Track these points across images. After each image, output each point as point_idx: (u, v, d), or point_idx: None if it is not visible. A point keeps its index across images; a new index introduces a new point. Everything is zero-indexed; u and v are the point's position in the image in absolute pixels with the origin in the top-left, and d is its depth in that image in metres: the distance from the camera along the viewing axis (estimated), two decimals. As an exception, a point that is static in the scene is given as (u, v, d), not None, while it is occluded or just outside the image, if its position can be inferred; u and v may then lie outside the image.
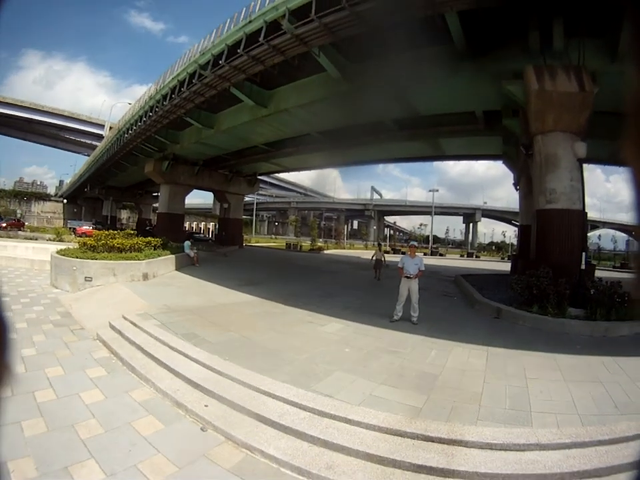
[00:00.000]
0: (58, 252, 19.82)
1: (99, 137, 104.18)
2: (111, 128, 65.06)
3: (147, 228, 62.25)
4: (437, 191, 77.06)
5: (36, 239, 34.21)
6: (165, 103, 27.49)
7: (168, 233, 27.83)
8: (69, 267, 17.59)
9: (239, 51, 19.35)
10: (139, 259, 19.16)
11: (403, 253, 46.04)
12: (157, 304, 13.32)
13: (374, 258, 23.57)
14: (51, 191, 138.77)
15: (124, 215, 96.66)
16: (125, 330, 10.28)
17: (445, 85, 18.93)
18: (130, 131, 35.69)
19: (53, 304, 14.64)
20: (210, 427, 5.98)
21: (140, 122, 32.57)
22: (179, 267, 22.62)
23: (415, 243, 14.82)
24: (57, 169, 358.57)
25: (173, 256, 22.58)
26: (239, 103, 25.92)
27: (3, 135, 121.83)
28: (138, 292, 15.38)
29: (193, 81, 23.36)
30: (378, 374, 7.66)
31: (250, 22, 18.94)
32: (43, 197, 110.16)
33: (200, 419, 6.19)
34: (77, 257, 18.03)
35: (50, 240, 34.64)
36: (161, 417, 6.31)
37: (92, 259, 17.86)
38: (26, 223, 66.42)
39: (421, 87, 19.53)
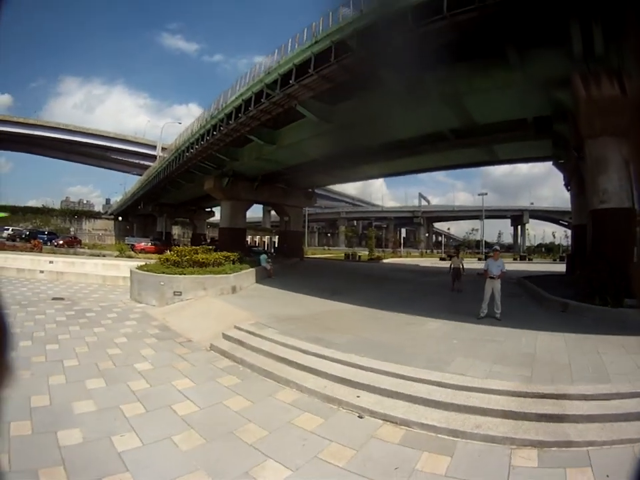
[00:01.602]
0: (139, 268, 20.73)
1: (145, 156, 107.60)
2: (164, 148, 66.61)
3: (204, 242, 63.55)
4: (486, 194, 75.86)
5: (104, 256, 35.49)
6: (230, 121, 28.23)
7: (230, 247, 27.91)
8: (155, 282, 18.34)
9: (309, 70, 20.05)
10: (226, 273, 19.86)
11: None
12: (261, 314, 13.97)
13: (452, 266, 21.80)
14: (98, 208, 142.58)
15: (175, 230, 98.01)
16: (246, 339, 10.93)
17: (500, 95, 19.76)
18: (191, 149, 36.72)
19: (145, 318, 15.39)
20: (367, 413, 6.87)
21: (202, 140, 33.58)
22: (259, 280, 23.27)
23: (498, 248, 15.91)
24: (101, 188, 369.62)
25: (253, 269, 23.38)
26: (301, 118, 26.49)
27: (49, 157, 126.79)
28: (234, 304, 16.15)
29: (262, 99, 24.09)
30: (488, 357, 9.11)
31: (316, 42, 19.75)
32: (94, 214, 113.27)
33: (355, 408, 7.07)
34: (164, 273, 18.80)
35: (118, 256, 35.69)
36: (317, 413, 7.04)
37: (180, 274, 18.58)
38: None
39: (478, 98, 20.22)
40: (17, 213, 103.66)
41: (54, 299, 19.40)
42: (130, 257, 34.60)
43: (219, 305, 16.27)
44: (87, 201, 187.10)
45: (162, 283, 18.14)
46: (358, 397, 7.40)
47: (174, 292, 17.85)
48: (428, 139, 28.20)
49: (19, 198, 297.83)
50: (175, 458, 5.57)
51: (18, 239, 58.77)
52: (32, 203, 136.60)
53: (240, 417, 6.80)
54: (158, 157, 67.20)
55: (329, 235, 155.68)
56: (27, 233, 66.42)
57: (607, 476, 4.88)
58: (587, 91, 15.28)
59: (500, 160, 36.69)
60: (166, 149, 58.10)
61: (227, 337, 11.46)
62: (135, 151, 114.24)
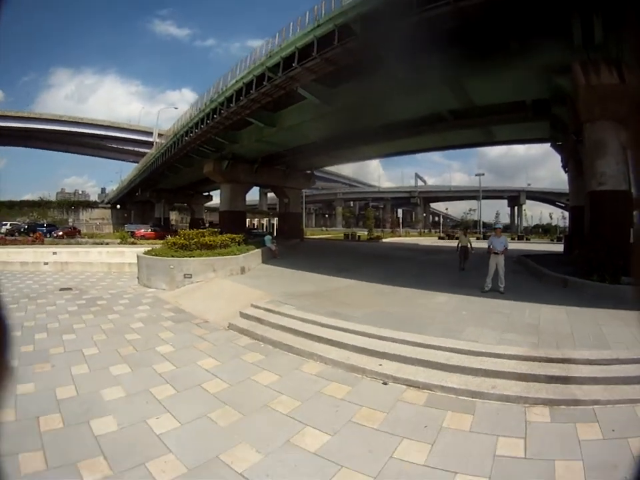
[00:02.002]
0: (146, 253, 21.10)
1: (141, 143, 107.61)
2: (160, 134, 66.82)
3: (202, 227, 63.79)
4: (483, 174, 75.38)
5: (107, 244, 35.57)
6: (231, 104, 28.53)
7: (231, 230, 28.20)
8: (164, 266, 18.65)
9: (313, 53, 20.32)
10: (234, 254, 20.26)
11: (457, 238, 48.56)
12: (275, 292, 14.47)
13: (459, 245, 21.36)
14: (94, 198, 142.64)
15: (173, 216, 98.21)
16: (264, 316, 11.39)
17: (499, 78, 20.31)
18: (190, 134, 36.98)
19: (157, 302, 15.67)
20: (390, 379, 7.48)
21: (202, 124, 33.84)
22: (264, 260, 23.77)
23: (500, 226, 16.61)
24: (97, 178, 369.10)
25: (259, 250, 23.87)
26: (301, 100, 26.79)
27: (46, 149, 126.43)
28: (245, 284, 16.61)
29: (264, 82, 24.35)
30: (497, 326, 9.87)
31: (318, 26, 20.02)
32: (91, 204, 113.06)
33: (379, 375, 7.67)
34: (173, 256, 19.14)
35: (121, 244, 35.96)
36: (344, 382, 7.56)
37: (189, 257, 18.95)
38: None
39: (477, 80, 20.78)
40: (14, 207, 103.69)
41: (62, 289, 19.60)
42: (133, 243, 34.81)
43: (230, 285, 16.66)
44: (82, 192, 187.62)
45: (171, 267, 18.42)
46: (380, 365, 7.97)
47: (184, 275, 18.16)
48: (427, 120, 28.73)
49: (15, 193, 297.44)
50: (215, 434, 5.85)
51: (17, 233, 58.39)
52: (28, 196, 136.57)
53: (271, 390, 7.19)
54: (155, 143, 67.22)
55: (326, 215, 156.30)
56: (26, 226, 66.66)
57: (613, 430, 5.48)
58: (587, 78, 16.01)
59: (497, 141, 37.28)
60: (162, 134, 58.50)
61: (244, 316, 11.86)
62: (130, 139, 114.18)
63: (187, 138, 38.42)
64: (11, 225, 70.50)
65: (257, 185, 50.31)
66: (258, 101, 26.85)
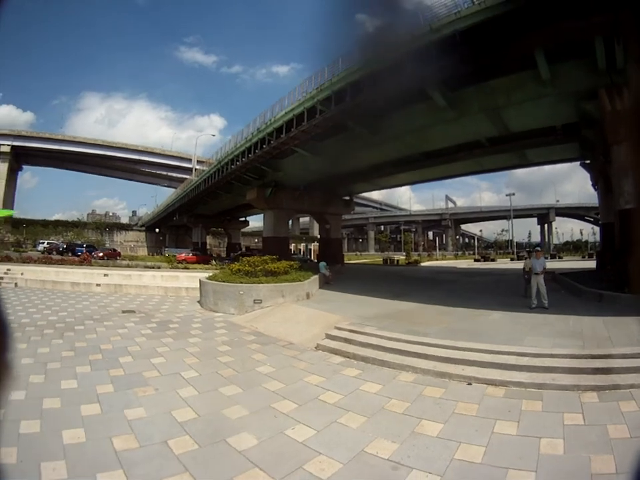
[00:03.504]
0: (209, 278, 22.42)
1: (174, 168, 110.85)
2: (200, 161, 68.80)
3: (239, 251, 65.08)
4: (514, 194, 76.21)
5: (158, 267, 36.05)
6: (281, 135, 30.01)
7: (274, 255, 28.85)
8: (234, 291, 19.70)
9: (363, 89, 21.87)
10: (300, 281, 21.43)
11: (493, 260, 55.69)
12: (349, 315, 15.73)
13: (525, 269, 19.85)
14: (124, 220, 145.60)
15: (208, 240, 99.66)
16: (350, 336, 12.76)
17: (533, 106, 22.06)
18: (237, 162, 38.67)
19: (232, 326, 16.50)
20: (473, 380, 9.29)
21: (250, 153, 35.49)
22: (321, 285, 24.76)
23: (539, 248, 18.21)
24: (127, 200, 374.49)
25: (317, 276, 24.94)
26: (346, 130, 27.92)
27: (79, 171, 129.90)
28: (316, 308, 17.82)
29: (316, 115, 25.91)
30: (549, 334, 11.87)
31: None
32: (125, 227, 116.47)
33: (463, 378, 9.44)
34: (241, 282, 20.24)
35: (172, 268, 36.38)
36: (436, 385, 9.23)
37: (258, 283, 20.09)
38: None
39: (514, 109, 22.57)
40: (48, 226, 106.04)
41: (124, 311, 20.18)
42: (185, 268, 35.31)
43: (302, 310, 17.78)
44: (113, 213, 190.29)
45: (241, 292, 19.44)
46: (463, 370, 9.74)
47: (254, 300, 19.22)
48: (465, 147, 30.02)
49: (45, 212, 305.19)
50: (351, 434, 6.97)
51: (55, 252, 59.60)
52: (58, 216, 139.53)
53: (380, 397, 8.56)
54: (194, 170, 69.35)
55: (360, 240, 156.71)
56: (65, 246, 68.06)
57: None
58: (612, 103, 17.70)
59: (530, 163, 38.98)
60: (204, 161, 60.02)
61: (330, 337, 13.13)
62: (163, 163, 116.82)
63: (232, 166, 40.08)
64: (48, 243, 71.90)
65: (298, 212, 51.78)
66: (308, 132, 28.20)
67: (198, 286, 23.51)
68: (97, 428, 7.29)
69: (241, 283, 20.25)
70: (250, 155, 35.51)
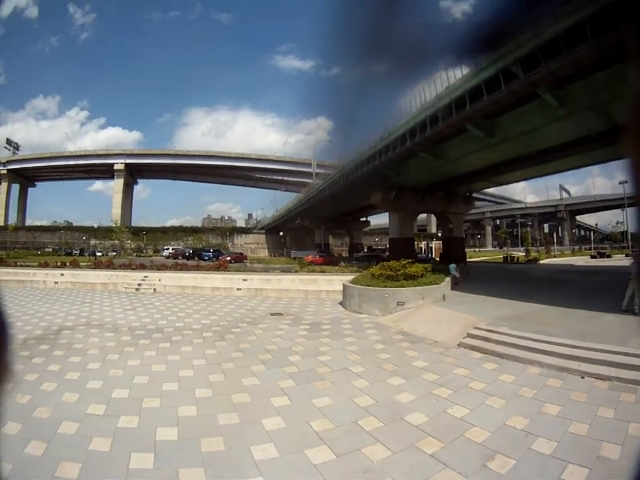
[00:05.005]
0: (352, 282, 24.60)
1: (289, 172, 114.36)
2: (320, 165, 71.74)
3: (362, 251, 67.15)
4: (626, 182, 71.04)
5: (296, 271, 38.47)
6: (406, 142, 31.87)
7: (401, 256, 29.61)
8: (378, 295, 21.89)
9: (483, 97, 23.07)
10: (437, 284, 23.38)
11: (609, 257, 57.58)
12: (484, 317, 17.47)
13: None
14: (240, 223, 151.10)
15: (330, 240, 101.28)
16: (488, 335, 14.97)
17: None
18: (364, 168, 40.67)
19: (379, 327, 18.68)
20: (585, 375, 11.23)
21: (376, 160, 37.47)
22: (452, 287, 26.52)
23: None
24: (241, 204, 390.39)
25: (449, 278, 26.61)
26: (463, 134, 29.31)
27: (193, 181, 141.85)
28: (453, 309, 19.87)
29: (438, 123, 27.57)
30: None
31: (483, 69, 22.55)
32: (245, 230, 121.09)
33: (578, 372, 11.41)
34: (385, 286, 22.30)
35: (309, 271, 38.13)
36: (557, 377, 11.35)
37: (401, 287, 22.17)
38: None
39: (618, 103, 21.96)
40: (168, 232, 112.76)
41: (272, 314, 22.24)
42: (323, 271, 36.82)
43: (441, 311, 19.88)
44: (229, 217, 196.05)
45: (386, 295, 21.58)
46: (579, 365, 11.60)
47: (397, 302, 21.31)
48: (577, 142, 30.11)
49: (159, 219, 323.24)
50: (496, 413, 9.32)
51: (180, 257, 64.31)
52: (172, 222, 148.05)
53: (515, 385, 10.93)
54: (314, 174, 73.76)
55: (478, 236, 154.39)
56: (191, 251, 71.57)
57: None
58: None
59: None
60: (325, 166, 62.62)
61: (471, 336, 15.33)
62: (277, 169, 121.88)
63: (359, 172, 42.25)
64: (173, 249, 77.13)
65: (421, 212, 53.32)
66: (430, 138, 29.79)
67: (336, 289, 26.08)
68: (292, 415, 9.36)
69: (385, 287, 22.29)
70: (376, 162, 37.45)
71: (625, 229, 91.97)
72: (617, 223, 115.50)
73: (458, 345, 15.03)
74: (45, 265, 42.75)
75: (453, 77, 25.41)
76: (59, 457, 7.27)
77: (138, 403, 9.95)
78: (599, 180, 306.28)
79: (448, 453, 7.59)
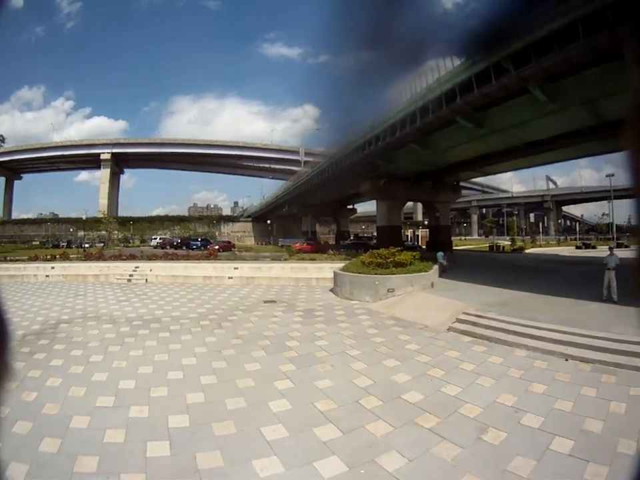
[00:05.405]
0: (343, 269, 25.19)
1: (276, 160, 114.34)
2: (308, 154, 72.04)
3: (350, 239, 67.69)
4: (613, 175, 71.65)
5: (286, 260, 37.86)
6: (396, 133, 32.42)
7: (388, 243, 30.64)
8: (369, 282, 22.52)
9: (474, 90, 23.66)
10: (426, 271, 24.03)
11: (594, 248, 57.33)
12: (472, 302, 18.13)
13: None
14: (226, 212, 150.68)
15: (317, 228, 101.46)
16: (477, 320, 15.70)
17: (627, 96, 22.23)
18: (354, 157, 41.04)
19: (371, 312, 19.31)
20: (569, 358, 11.99)
21: (366, 149, 38.00)
22: (440, 274, 26.99)
23: (613, 246, 19.59)
24: (227, 192, 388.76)
25: (437, 265, 27.22)
26: (453, 125, 29.74)
27: (180, 169, 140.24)
28: (442, 296, 20.44)
29: (429, 114, 28.17)
30: (632, 325, 12.78)
31: (474, 63, 23.18)
32: (232, 218, 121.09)
33: (563, 355, 12.16)
34: (376, 274, 22.87)
35: (300, 259, 37.86)
36: (542, 359, 12.11)
37: (391, 274, 22.78)
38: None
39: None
40: (154, 222, 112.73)
41: (265, 302, 22.59)
42: (313, 259, 36.69)
43: (430, 297, 20.60)
44: (215, 205, 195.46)
45: (377, 282, 22.17)
46: (565, 349, 12.36)
47: (387, 289, 21.90)
48: (567, 135, 30.55)
49: (145, 209, 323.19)
50: (487, 391, 10.08)
51: (169, 247, 63.44)
52: (158, 211, 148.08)
53: (503, 367, 11.72)
54: (302, 163, 73.97)
55: (464, 224, 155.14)
56: (179, 240, 71.42)
57: None
58: None
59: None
60: (313, 154, 62.98)
61: (460, 321, 16.04)
62: (264, 157, 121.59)
63: (348, 161, 42.85)
64: (161, 238, 76.96)
65: (409, 201, 53.96)
66: (420, 129, 30.42)
67: (326, 276, 26.78)
68: (297, 397, 9.86)
69: (376, 274, 22.89)
70: (366, 151, 37.99)
71: (611, 221, 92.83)
72: (603, 214, 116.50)
73: (448, 330, 15.69)
74: (35, 259, 42.34)
75: (444, 68, 25.90)
76: (75, 452, 7.49)
77: (146, 393, 10.30)
78: (586, 172, 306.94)
79: (445, 427, 8.29)
